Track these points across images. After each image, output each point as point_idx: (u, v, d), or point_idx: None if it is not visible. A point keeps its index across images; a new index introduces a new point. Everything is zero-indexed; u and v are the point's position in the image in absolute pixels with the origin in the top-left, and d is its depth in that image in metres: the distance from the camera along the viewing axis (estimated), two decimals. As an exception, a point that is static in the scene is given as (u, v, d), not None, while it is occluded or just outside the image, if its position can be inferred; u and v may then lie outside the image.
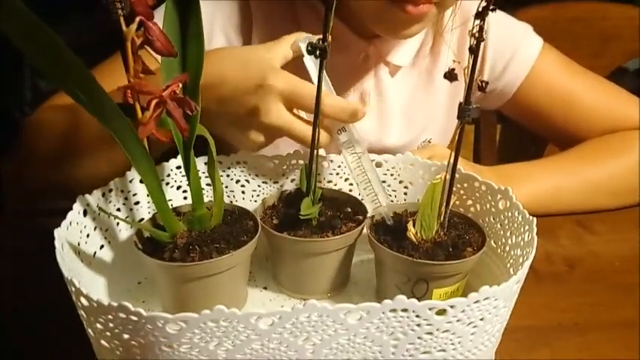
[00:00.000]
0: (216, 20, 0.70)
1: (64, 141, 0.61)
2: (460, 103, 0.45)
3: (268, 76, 0.50)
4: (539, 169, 0.70)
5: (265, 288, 0.54)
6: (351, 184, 0.58)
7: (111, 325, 0.36)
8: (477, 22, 0.40)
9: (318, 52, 0.43)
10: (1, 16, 0.33)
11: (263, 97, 0.50)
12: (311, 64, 0.50)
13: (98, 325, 0.37)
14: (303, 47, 0.49)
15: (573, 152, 0.74)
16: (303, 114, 0.53)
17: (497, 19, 0.76)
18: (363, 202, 0.54)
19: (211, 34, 0.70)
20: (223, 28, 0.70)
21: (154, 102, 0.40)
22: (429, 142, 0.80)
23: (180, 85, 0.41)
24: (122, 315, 0.35)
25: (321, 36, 0.43)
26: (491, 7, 0.39)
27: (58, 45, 0.34)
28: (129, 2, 0.38)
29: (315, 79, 0.49)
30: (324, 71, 0.48)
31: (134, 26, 0.38)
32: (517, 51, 0.75)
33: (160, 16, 0.41)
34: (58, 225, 0.44)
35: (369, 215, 0.52)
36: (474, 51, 0.41)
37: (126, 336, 0.36)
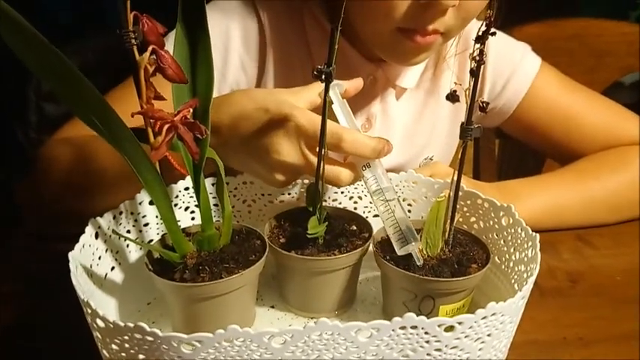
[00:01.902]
0: (230, 41, 0.71)
1: (81, 177, 0.61)
2: (462, 123, 0.46)
3: (291, 115, 0.49)
4: (540, 185, 0.71)
5: (273, 307, 0.55)
6: (355, 202, 0.59)
7: (127, 345, 0.37)
8: (477, 45, 0.41)
9: (323, 77, 0.44)
10: (20, 47, 0.35)
11: (285, 137, 0.49)
12: (340, 110, 0.50)
13: (114, 346, 0.38)
14: (333, 95, 0.49)
15: (573, 168, 0.75)
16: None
17: (496, 39, 0.77)
18: (368, 220, 0.55)
19: (226, 57, 0.71)
20: (238, 49, 0.72)
21: (165, 127, 0.41)
22: (431, 159, 0.81)
23: (191, 110, 0.43)
24: (138, 336, 0.36)
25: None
26: (490, 32, 0.40)
27: (72, 72, 0.36)
28: (141, 32, 0.39)
29: (344, 124, 0.49)
30: (348, 107, 0.49)
31: (147, 54, 0.39)
32: (516, 70, 0.77)
33: (170, 42, 0.43)
34: (70, 248, 0.45)
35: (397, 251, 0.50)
36: (474, 73, 0.43)
37: (141, 356, 0.37)
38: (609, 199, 0.71)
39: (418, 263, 0.48)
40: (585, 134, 0.77)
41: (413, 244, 0.48)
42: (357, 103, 0.75)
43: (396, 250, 0.48)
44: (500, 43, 0.77)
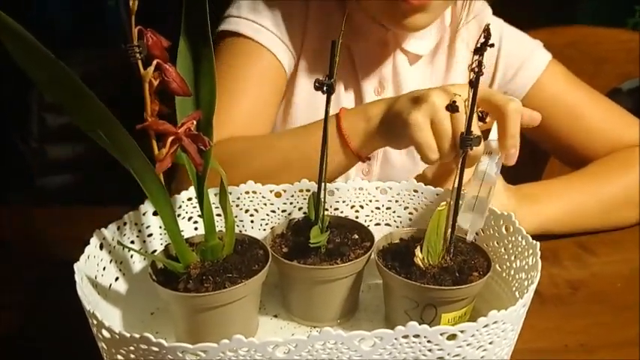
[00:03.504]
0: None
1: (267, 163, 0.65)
2: (462, 133, 0.47)
3: (455, 85, 0.54)
4: (556, 188, 0.72)
5: (276, 316, 0.55)
6: (357, 212, 0.60)
7: (132, 356, 0.37)
8: (476, 57, 0.42)
9: (325, 88, 0.45)
10: (24, 60, 0.35)
11: (444, 98, 0.53)
12: (485, 161, 0.53)
13: (119, 357, 0.38)
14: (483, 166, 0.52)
15: (586, 171, 0.76)
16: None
17: (511, 30, 0.82)
18: (369, 228, 0.55)
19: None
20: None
21: (169, 139, 0.42)
22: None
23: (195, 122, 0.43)
24: (144, 346, 0.36)
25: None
26: (489, 44, 0.40)
27: (77, 85, 0.36)
28: (146, 46, 0.40)
29: (489, 179, 0.51)
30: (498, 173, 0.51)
31: (151, 69, 0.40)
32: (526, 61, 0.79)
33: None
34: (73, 259, 0.45)
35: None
36: (473, 85, 0.43)
37: (146, 367, 0.37)
38: (622, 199, 0.72)
39: (469, 239, 0.49)
40: (589, 131, 0.79)
41: (477, 216, 0.48)
42: (369, 65, 0.78)
43: (458, 218, 0.49)
44: (515, 34, 0.81)
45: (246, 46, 0.73)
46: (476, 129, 0.49)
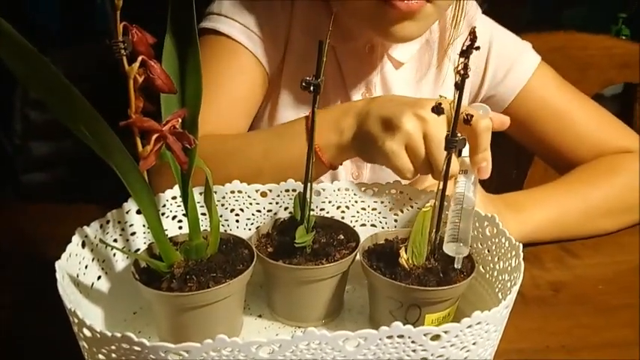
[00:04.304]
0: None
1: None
2: (447, 135, 0.47)
3: (424, 105, 0.53)
4: (543, 196, 0.71)
5: (260, 316, 0.55)
6: (343, 212, 0.60)
7: (114, 355, 0.37)
8: (462, 59, 0.42)
9: (311, 88, 0.44)
10: (9, 56, 0.35)
11: (416, 124, 0.53)
12: (461, 183, 0.53)
13: (100, 356, 0.38)
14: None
15: (571, 177, 0.76)
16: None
17: (502, 31, 0.82)
18: (355, 229, 0.55)
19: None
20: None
21: (154, 136, 0.41)
22: None
23: (180, 120, 0.43)
24: (125, 345, 0.36)
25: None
26: (475, 46, 0.41)
27: (62, 82, 0.36)
28: (131, 42, 0.39)
29: (469, 202, 0.51)
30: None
31: (136, 65, 0.40)
32: (516, 62, 0.79)
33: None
34: (58, 257, 0.45)
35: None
36: (458, 87, 0.43)
37: (128, 366, 0.37)
38: (608, 205, 0.72)
39: (456, 266, 0.48)
40: (577, 135, 0.79)
41: (462, 246, 0.48)
42: (357, 71, 0.77)
43: (444, 247, 0.49)
44: (504, 36, 0.81)
45: (224, 44, 0.72)
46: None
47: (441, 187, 0.49)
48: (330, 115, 0.61)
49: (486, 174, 0.54)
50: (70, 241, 0.47)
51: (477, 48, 0.41)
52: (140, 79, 0.40)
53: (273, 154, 0.62)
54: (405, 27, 0.64)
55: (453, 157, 0.48)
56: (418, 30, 0.66)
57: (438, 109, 0.44)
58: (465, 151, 0.54)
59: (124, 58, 0.39)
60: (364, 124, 0.57)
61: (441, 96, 0.48)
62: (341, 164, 0.63)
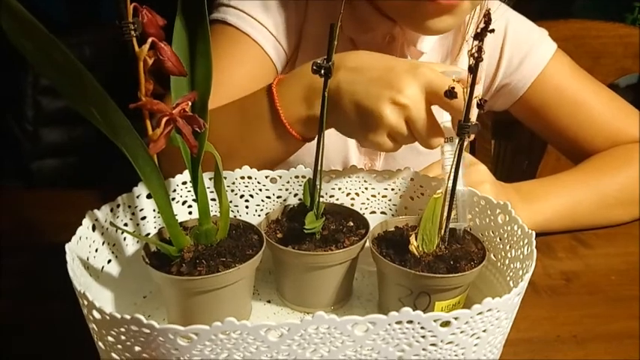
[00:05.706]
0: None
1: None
2: (459, 121, 0.46)
3: (420, 65, 0.52)
4: (557, 186, 0.71)
5: (269, 301, 0.55)
6: (352, 199, 0.59)
7: (123, 337, 0.37)
8: (476, 42, 0.41)
9: (322, 72, 0.44)
10: (19, 37, 0.35)
11: (413, 79, 0.51)
12: (448, 153, 0.53)
13: (109, 338, 0.38)
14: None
15: (585, 167, 0.75)
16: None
17: (518, 18, 0.80)
18: (364, 216, 0.55)
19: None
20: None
21: (164, 119, 0.41)
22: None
23: (190, 103, 0.43)
24: (134, 328, 0.36)
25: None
26: (489, 29, 0.40)
27: (72, 63, 0.35)
28: (141, 24, 0.39)
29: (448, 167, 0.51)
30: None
31: (146, 47, 0.39)
32: (532, 50, 0.78)
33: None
34: (67, 239, 0.45)
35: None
36: (472, 70, 0.43)
37: (137, 348, 0.37)
38: (623, 195, 0.72)
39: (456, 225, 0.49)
40: (592, 124, 0.78)
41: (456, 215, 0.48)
42: None
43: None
44: (521, 23, 0.80)
45: (232, 35, 0.72)
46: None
47: (452, 174, 0.48)
48: (295, 86, 0.58)
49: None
50: (79, 225, 0.47)
51: (492, 31, 0.40)
52: (150, 62, 0.40)
53: (249, 138, 0.60)
54: (442, 20, 0.64)
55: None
56: (453, 23, 0.66)
57: (451, 94, 0.44)
58: (447, 116, 0.53)
59: (134, 40, 0.39)
60: (337, 104, 0.54)
61: (405, 105, 0.49)
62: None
